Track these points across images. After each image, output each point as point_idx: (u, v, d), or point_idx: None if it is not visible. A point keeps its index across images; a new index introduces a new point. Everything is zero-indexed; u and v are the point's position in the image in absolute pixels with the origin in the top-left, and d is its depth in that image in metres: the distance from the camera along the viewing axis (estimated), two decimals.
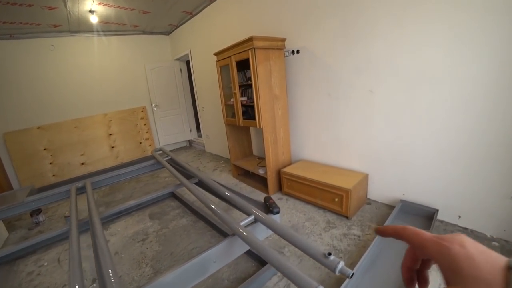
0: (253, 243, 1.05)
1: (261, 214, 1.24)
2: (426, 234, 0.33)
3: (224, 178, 3.54)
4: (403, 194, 2.17)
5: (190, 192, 1.74)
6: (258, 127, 2.66)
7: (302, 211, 2.38)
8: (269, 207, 1.40)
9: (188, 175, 2.29)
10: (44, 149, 4.07)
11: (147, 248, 2.12)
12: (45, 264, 2.14)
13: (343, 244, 1.87)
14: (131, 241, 2.27)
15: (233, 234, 1.19)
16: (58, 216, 3.08)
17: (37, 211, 2.89)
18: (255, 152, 3.75)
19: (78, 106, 4.46)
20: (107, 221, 2.66)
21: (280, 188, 2.87)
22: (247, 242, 1.07)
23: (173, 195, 3.09)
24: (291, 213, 2.38)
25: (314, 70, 2.57)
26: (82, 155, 4.38)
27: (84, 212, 3.05)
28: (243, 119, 2.92)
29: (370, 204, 2.36)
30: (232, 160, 3.50)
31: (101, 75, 4.65)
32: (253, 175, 3.33)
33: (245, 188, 3.12)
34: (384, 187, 2.30)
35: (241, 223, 1.22)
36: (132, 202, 2.38)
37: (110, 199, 3.30)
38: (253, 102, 2.65)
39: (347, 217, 2.16)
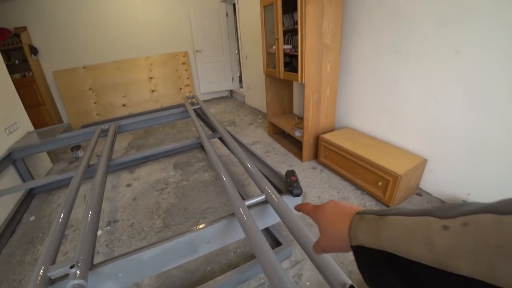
0: (248, 230, 0.78)
1: (275, 195, 0.95)
2: (310, 205, 0.47)
3: (258, 135, 3.28)
4: (468, 194, 1.66)
5: (204, 149, 1.51)
6: (299, 81, 2.23)
7: (336, 188, 2.03)
8: (289, 185, 1.10)
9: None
10: (89, 89, 4.20)
11: (163, 199, 2.04)
12: None
13: None
14: (151, 188, 2.22)
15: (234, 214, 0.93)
16: (95, 153, 3.21)
17: (77, 147, 3.03)
18: (296, 110, 3.34)
19: (120, 48, 4.39)
20: (134, 164, 2.66)
21: (316, 156, 2.52)
22: (243, 228, 0.82)
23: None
24: (323, 187, 2.06)
25: (380, 16, 1.94)
26: (123, 96, 4.45)
27: (118, 152, 3.14)
28: (284, 70, 2.49)
29: (421, 195, 1.89)
30: (269, 116, 3.17)
31: (143, 17, 4.43)
32: (289, 136, 2.99)
33: (278, 150, 2.83)
34: (444, 180, 1.78)
35: (247, 202, 0.94)
36: (159, 149, 2.27)
37: (142, 143, 3.33)
38: (297, 51, 2.19)
39: (388, 206, 1.76)
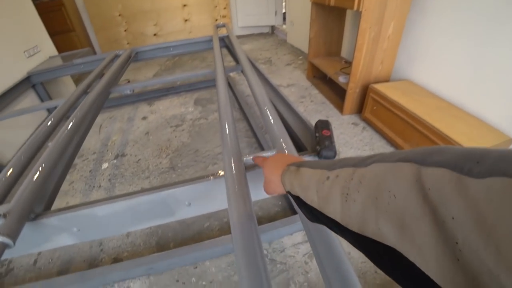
0: (233, 196, 0.50)
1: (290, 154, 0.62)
2: (262, 157, 0.53)
3: (295, 77, 2.81)
4: None
5: (216, 86, 1.20)
6: (355, 8, 1.68)
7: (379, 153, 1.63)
8: (317, 143, 0.75)
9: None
10: (119, 15, 3.88)
11: (175, 137, 1.84)
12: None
13: None
14: (166, 124, 2.02)
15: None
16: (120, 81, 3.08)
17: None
18: (344, 53, 2.74)
19: None
20: (153, 97, 2.45)
21: (360, 110, 2.06)
22: (228, 191, 0.53)
23: (228, 82, 2.63)
24: (363, 149, 1.67)
25: None
26: (155, 25, 4.11)
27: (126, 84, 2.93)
28: None
29: None
30: (310, 56, 2.64)
31: None
32: (331, 82, 2.49)
33: (316, 96, 2.39)
34: None
35: (247, 158, 0.64)
36: (167, 78, 1.97)
37: (168, 74, 3.09)
38: None
39: None
